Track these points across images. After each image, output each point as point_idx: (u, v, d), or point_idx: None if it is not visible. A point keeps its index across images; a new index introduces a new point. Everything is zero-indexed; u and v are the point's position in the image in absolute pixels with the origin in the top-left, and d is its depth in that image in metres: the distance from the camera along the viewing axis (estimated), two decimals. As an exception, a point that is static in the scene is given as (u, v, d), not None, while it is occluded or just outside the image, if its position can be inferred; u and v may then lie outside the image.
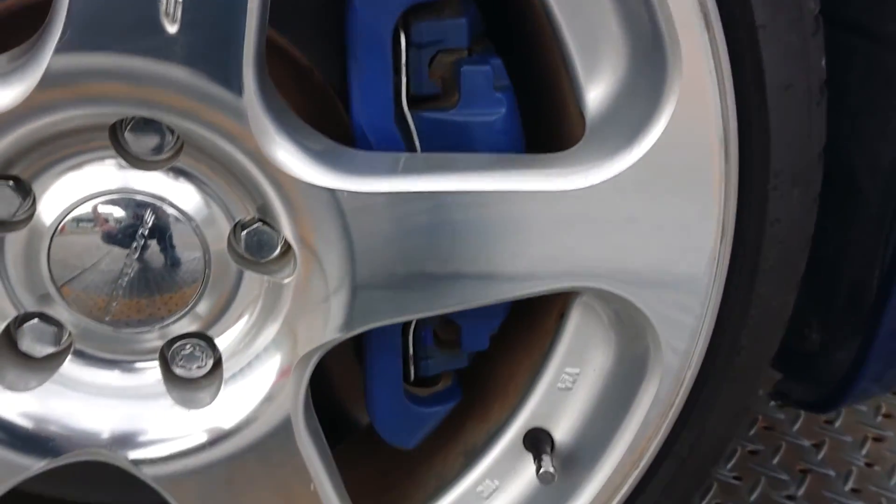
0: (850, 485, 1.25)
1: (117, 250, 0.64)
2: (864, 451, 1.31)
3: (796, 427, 1.36)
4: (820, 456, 1.30)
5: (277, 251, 0.67)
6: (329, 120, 0.72)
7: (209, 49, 0.55)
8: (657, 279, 0.67)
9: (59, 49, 0.54)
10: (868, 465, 1.28)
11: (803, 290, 0.80)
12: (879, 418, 1.37)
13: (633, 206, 0.64)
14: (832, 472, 1.27)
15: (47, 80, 0.55)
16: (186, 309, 0.67)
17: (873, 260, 0.85)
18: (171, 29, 0.54)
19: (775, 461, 1.29)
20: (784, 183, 0.67)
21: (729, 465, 1.27)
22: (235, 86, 0.57)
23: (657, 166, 0.63)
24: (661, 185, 0.64)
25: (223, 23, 0.55)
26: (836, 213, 0.81)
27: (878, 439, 1.33)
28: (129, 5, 0.53)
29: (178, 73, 0.55)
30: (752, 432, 1.34)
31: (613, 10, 0.64)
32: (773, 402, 1.40)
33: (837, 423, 1.37)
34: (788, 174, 0.67)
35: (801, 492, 1.23)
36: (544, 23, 0.66)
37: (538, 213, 0.64)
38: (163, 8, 0.54)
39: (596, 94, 0.66)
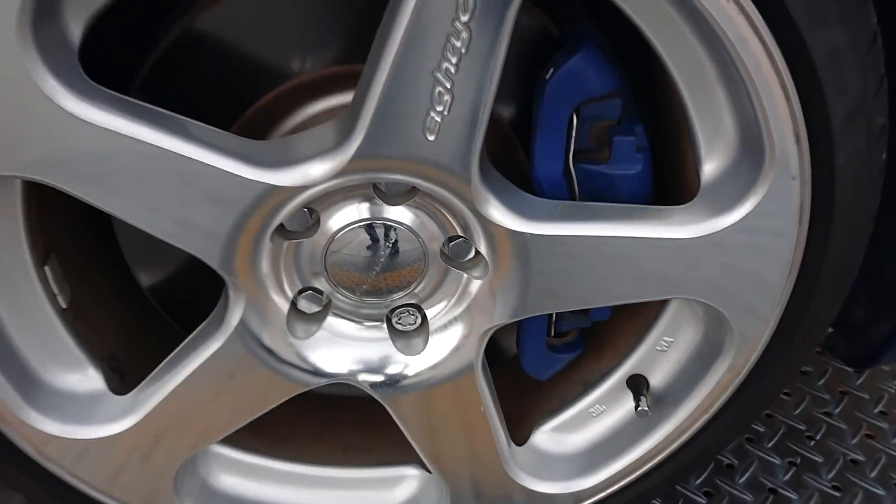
0: (879, 408, 1.54)
1: (370, 252, 0.95)
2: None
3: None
4: (858, 381, 1.59)
5: (471, 255, 0.97)
6: (509, 158, 0.99)
7: (453, 149, 0.83)
8: (738, 299, 0.95)
9: (362, 144, 0.82)
10: (897, 392, 1.57)
11: (857, 279, 1.07)
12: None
13: (727, 253, 0.91)
14: (867, 396, 1.57)
15: (351, 162, 0.83)
16: (409, 290, 0.98)
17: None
18: (431, 137, 0.82)
19: (820, 382, 1.59)
20: (839, 239, 0.92)
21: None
22: (467, 167, 0.85)
23: (749, 228, 0.90)
24: (750, 241, 0.90)
25: (464, 135, 0.82)
26: (884, 234, 1.06)
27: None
28: (405, 125, 0.81)
29: (433, 160, 0.83)
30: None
31: (731, 113, 0.88)
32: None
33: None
34: (844, 232, 0.92)
35: (837, 410, 1.53)
36: (678, 107, 0.91)
37: (657, 251, 0.92)
38: (425, 127, 0.81)
39: (711, 166, 0.91)
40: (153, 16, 0.97)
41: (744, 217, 0.90)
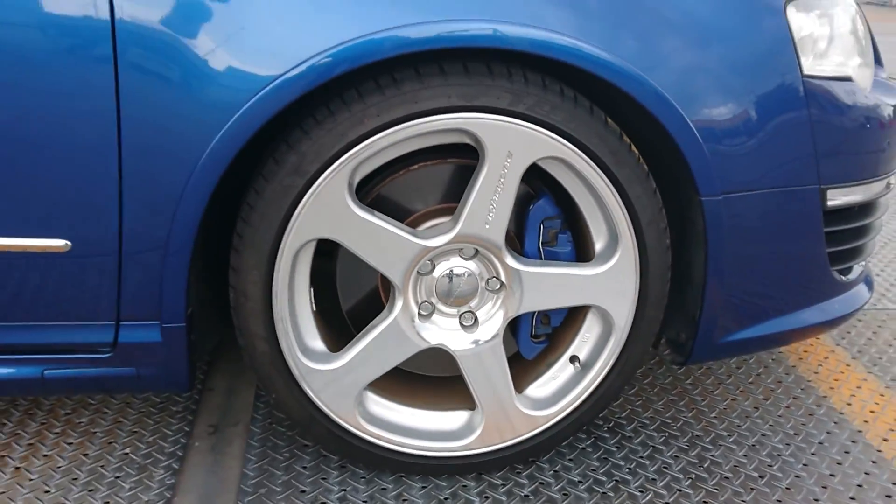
0: (713, 414, 2.73)
1: (454, 284, 2.19)
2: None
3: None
4: (704, 402, 2.79)
5: (498, 286, 2.21)
6: (511, 245, 2.26)
7: (496, 232, 2.11)
8: (614, 304, 2.20)
9: (460, 229, 2.09)
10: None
11: (680, 319, 2.33)
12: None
13: (607, 281, 2.18)
14: (706, 408, 2.75)
15: (454, 238, 2.09)
16: (468, 303, 2.21)
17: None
18: (487, 227, 2.10)
19: (682, 403, 2.78)
20: (653, 279, 2.20)
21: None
22: (500, 239, 2.12)
23: (614, 270, 2.17)
24: (614, 276, 2.17)
25: (501, 226, 2.10)
26: (687, 293, 2.33)
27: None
28: (477, 220, 2.09)
29: (487, 238, 2.10)
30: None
31: (604, 222, 2.18)
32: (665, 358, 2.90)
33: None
34: (657, 273, 2.20)
35: (690, 415, 2.72)
36: (584, 222, 2.21)
37: (582, 281, 2.18)
38: (485, 222, 2.10)
39: (599, 244, 2.20)
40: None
41: (613, 265, 2.17)
